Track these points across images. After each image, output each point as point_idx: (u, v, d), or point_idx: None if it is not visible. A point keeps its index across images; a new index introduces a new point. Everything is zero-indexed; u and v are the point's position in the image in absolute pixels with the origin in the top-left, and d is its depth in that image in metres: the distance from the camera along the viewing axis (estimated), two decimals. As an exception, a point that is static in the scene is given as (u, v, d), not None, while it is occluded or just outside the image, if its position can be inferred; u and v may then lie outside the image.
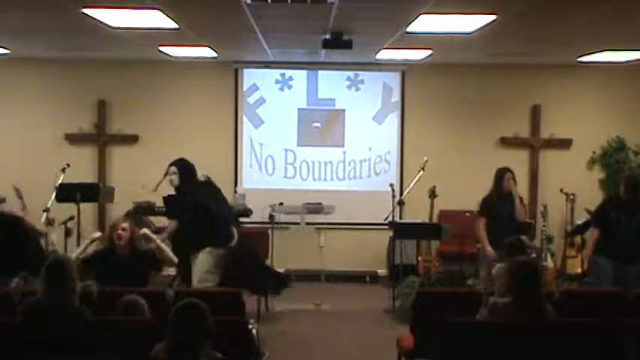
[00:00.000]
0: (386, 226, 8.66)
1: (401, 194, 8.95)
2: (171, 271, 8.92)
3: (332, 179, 10.12)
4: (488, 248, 7.11)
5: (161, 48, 8.40)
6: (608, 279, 6.63)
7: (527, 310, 4.30)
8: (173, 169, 6.71)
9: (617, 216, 6.69)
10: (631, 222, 6.63)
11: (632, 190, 6.70)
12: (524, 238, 7.51)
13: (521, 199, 7.50)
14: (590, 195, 9.40)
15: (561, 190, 9.30)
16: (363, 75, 10.06)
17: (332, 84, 10.06)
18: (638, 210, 6.67)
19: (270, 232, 8.72)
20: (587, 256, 7.12)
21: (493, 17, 5.95)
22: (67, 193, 7.77)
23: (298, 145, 10.09)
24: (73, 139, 9.96)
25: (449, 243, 8.44)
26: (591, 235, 7.00)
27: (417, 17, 5.97)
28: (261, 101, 10.09)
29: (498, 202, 7.30)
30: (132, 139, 9.97)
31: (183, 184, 6.70)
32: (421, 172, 8.37)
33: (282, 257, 9.40)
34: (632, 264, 6.60)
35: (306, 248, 9.72)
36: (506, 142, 10.04)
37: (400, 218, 8.85)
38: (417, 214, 8.95)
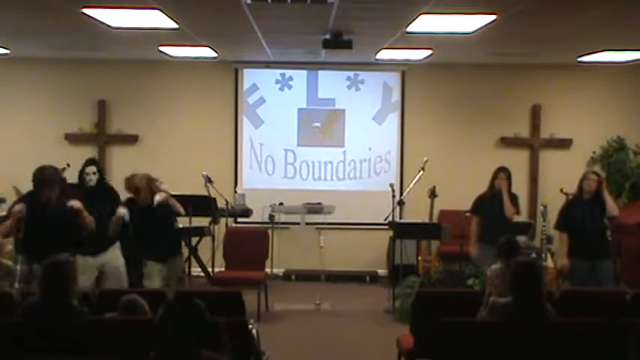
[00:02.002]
0: (386, 226, 8.66)
1: (401, 194, 8.96)
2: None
3: (332, 179, 10.12)
4: (471, 248, 7.55)
5: (161, 48, 8.40)
6: (582, 280, 6.76)
7: (527, 310, 4.30)
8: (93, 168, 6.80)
9: (582, 215, 6.90)
10: (594, 217, 6.87)
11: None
12: (524, 238, 7.59)
13: (513, 197, 7.62)
14: (590, 195, 9.40)
15: (561, 190, 9.26)
16: (363, 75, 10.06)
17: (332, 84, 10.06)
18: (599, 204, 6.89)
19: (270, 232, 8.72)
20: (563, 266, 7.08)
21: (493, 17, 5.95)
22: (66, 193, 7.76)
23: (298, 145, 10.09)
24: (73, 139, 9.97)
25: (449, 243, 8.44)
26: (561, 241, 7.12)
27: (417, 17, 5.97)
28: (261, 101, 10.09)
29: (489, 201, 7.55)
30: (132, 139, 9.98)
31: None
32: (421, 172, 8.37)
33: (282, 257, 9.41)
34: (603, 259, 6.83)
35: (306, 248, 9.72)
36: (506, 142, 10.05)
37: (400, 218, 8.85)
38: (417, 214, 8.95)
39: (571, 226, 6.97)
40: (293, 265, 9.79)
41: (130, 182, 6.79)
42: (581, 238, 6.86)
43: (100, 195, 6.65)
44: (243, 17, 6.10)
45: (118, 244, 6.70)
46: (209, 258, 8.46)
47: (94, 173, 6.70)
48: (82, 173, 6.74)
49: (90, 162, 6.83)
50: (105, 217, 6.53)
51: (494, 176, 7.62)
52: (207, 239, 8.56)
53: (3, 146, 9.85)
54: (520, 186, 7.96)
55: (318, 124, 10.08)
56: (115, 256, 6.67)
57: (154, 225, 6.70)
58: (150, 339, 3.65)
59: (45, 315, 4.15)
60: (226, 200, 8.70)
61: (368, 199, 9.86)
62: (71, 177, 8.17)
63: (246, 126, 10.08)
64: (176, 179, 9.15)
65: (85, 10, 5.88)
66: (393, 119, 10.09)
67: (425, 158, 8.43)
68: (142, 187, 6.71)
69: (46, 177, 6.10)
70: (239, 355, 4.30)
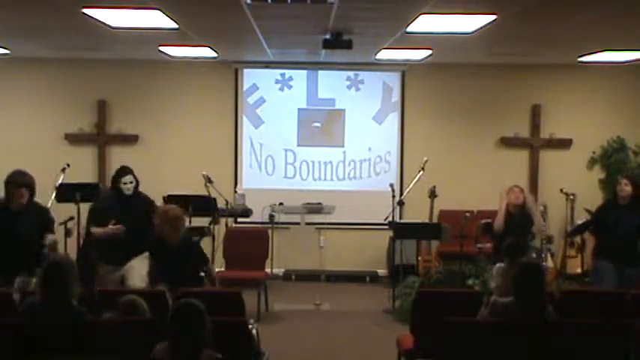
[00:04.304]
0: (386, 226, 8.66)
1: (401, 194, 8.96)
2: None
3: (332, 179, 10.12)
4: None
5: (161, 48, 8.40)
6: (609, 282, 6.62)
7: (527, 310, 4.30)
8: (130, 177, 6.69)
9: (616, 219, 6.70)
10: (628, 224, 6.65)
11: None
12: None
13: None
14: (590, 195, 9.42)
15: (561, 190, 9.31)
16: (363, 75, 10.05)
17: (332, 84, 10.06)
18: (636, 212, 6.67)
19: (270, 232, 8.71)
20: (590, 265, 7.08)
21: (493, 17, 5.95)
22: (66, 193, 7.76)
23: (298, 145, 10.09)
24: (73, 139, 9.96)
25: (449, 243, 8.44)
26: (592, 240, 7.05)
27: (417, 17, 5.97)
28: (261, 101, 10.09)
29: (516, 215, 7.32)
30: (132, 139, 9.98)
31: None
32: (421, 172, 8.37)
33: (282, 257, 9.41)
34: (632, 266, 6.61)
35: (306, 248, 9.71)
36: (506, 142, 10.04)
37: (400, 218, 8.85)
38: (417, 214, 8.95)
39: (604, 228, 6.82)
40: (293, 265, 9.79)
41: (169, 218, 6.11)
42: (611, 242, 6.68)
43: (136, 205, 6.60)
44: (243, 17, 6.11)
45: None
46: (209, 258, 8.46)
47: (131, 182, 6.63)
48: (116, 182, 6.66)
49: (126, 171, 6.69)
50: (138, 228, 6.44)
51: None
52: (207, 239, 8.55)
53: (3, 146, 9.84)
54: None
55: (318, 124, 10.08)
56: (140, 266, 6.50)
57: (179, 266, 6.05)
58: (150, 339, 3.66)
59: (45, 315, 4.15)
60: (226, 200, 8.69)
61: (368, 199, 9.86)
62: (71, 177, 8.25)
63: (246, 126, 10.08)
64: (176, 179, 9.18)
65: (85, 10, 5.89)
66: (393, 119, 10.08)
67: (425, 158, 8.43)
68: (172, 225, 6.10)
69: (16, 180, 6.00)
70: (239, 355, 4.31)
